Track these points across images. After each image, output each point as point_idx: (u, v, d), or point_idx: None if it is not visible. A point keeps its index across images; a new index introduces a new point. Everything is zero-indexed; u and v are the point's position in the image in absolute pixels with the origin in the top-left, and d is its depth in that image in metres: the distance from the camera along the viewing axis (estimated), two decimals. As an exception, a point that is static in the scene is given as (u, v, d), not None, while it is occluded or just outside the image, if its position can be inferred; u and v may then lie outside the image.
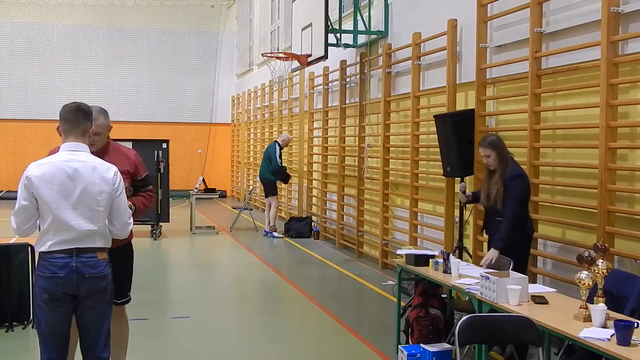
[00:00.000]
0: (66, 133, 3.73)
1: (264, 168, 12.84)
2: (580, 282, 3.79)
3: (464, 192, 5.98)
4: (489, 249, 5.53)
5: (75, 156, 3.69)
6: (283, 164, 12.80)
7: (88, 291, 3.68)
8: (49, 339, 3.71)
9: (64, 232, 3.63)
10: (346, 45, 10.55)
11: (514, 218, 5.26)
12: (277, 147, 12.64)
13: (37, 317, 3.75)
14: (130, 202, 4.28)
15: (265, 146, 13.87)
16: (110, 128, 4.36)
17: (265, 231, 12.84)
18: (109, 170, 3.75)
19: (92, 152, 4.25)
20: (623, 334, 3.33)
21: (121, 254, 4.45)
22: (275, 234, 12.62)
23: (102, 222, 3.74)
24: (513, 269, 4.76)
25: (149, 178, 4.62)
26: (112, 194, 3.74)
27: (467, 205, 6.13)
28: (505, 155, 5.49)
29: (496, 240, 5.29)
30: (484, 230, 5.82)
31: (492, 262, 5.18)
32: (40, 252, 3.69)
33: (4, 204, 18.39)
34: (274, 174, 12.60)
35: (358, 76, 10.55)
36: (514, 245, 5.29)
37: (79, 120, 3.73)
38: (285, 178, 12.94)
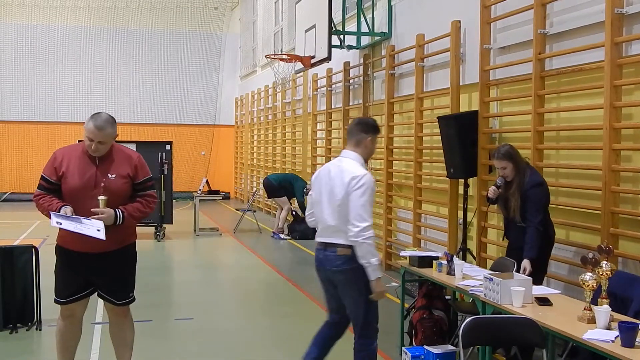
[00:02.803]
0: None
1: (276, 179, 12.93)
2: (584, 283, 3.77)
3: (498, 187, 5.43)
4: (507, 254, 5.48)
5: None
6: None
7: (336, 280, 4.30)
8: None
9: None
10: (349, 47, 10.54)
11: (540, 225, 5.13)
12: (304, 189, 12.70)
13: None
14: (122, 209, 4.21)
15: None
16: (115, 136, 4.33)
17: (272, 232, 12.98)
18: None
19: (98, 158, 4.28)
20: (627, 336, 3.32)
21: (124, 254, 4.46)
22: (282, 236, 12.70)
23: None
24: (535, 273, 4.70)
25: (149, 182, 4.45)
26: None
27: (490, 203, 5.83)
28: (521, 165, 5.33)
29: (527, 251, 5.10)
30: (505, 236, 5.67)
31: (527, 272, 4.94)
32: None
33: (8, 206, 18.44)
34: (286, 194, 12.75)
35: (361, 78, 10.55)
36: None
37: (352, 132, 4.38)
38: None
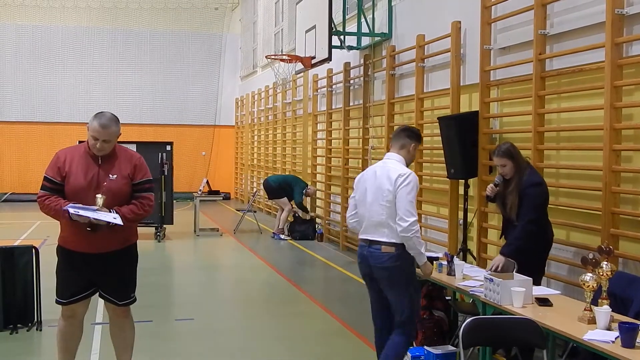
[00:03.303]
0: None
1: (276, 181, 12.93)
2: (584, 284, 3.78)
3: (496, 186, 5.39)
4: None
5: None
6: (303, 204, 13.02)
7: (379, 276, 4.54)
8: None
9: None
10: (350, 48, 10.55)
11: (529, 224, 5.03)
12: (303, 191, 12.73)
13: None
14: (116, 209, 4.20)
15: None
16: (119, 135, 4.34)
17: (273, 233, 12.99)
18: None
19: (100, 158, 4.27)
20: (628, 336, 3.33)
21: (125, 254, 4.45)
22: (282, 237, 12.71)
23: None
24: (531, 274, 4.69)
25: (147, 184, 4.40)
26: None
27: (488, 201, 5.78)
28: (521, 164, 5.27)
29: (505, 246, 5.06)
30: (503, 235, 5.60)
31: (499, 268, 4.94)
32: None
33: (8, 206, 18.45)
34: (286, 195, 12.77)
35: (362, 78, 10.56)
36: (533, 251, 5.08)
37: (398, 137, 4.77)
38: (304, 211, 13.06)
